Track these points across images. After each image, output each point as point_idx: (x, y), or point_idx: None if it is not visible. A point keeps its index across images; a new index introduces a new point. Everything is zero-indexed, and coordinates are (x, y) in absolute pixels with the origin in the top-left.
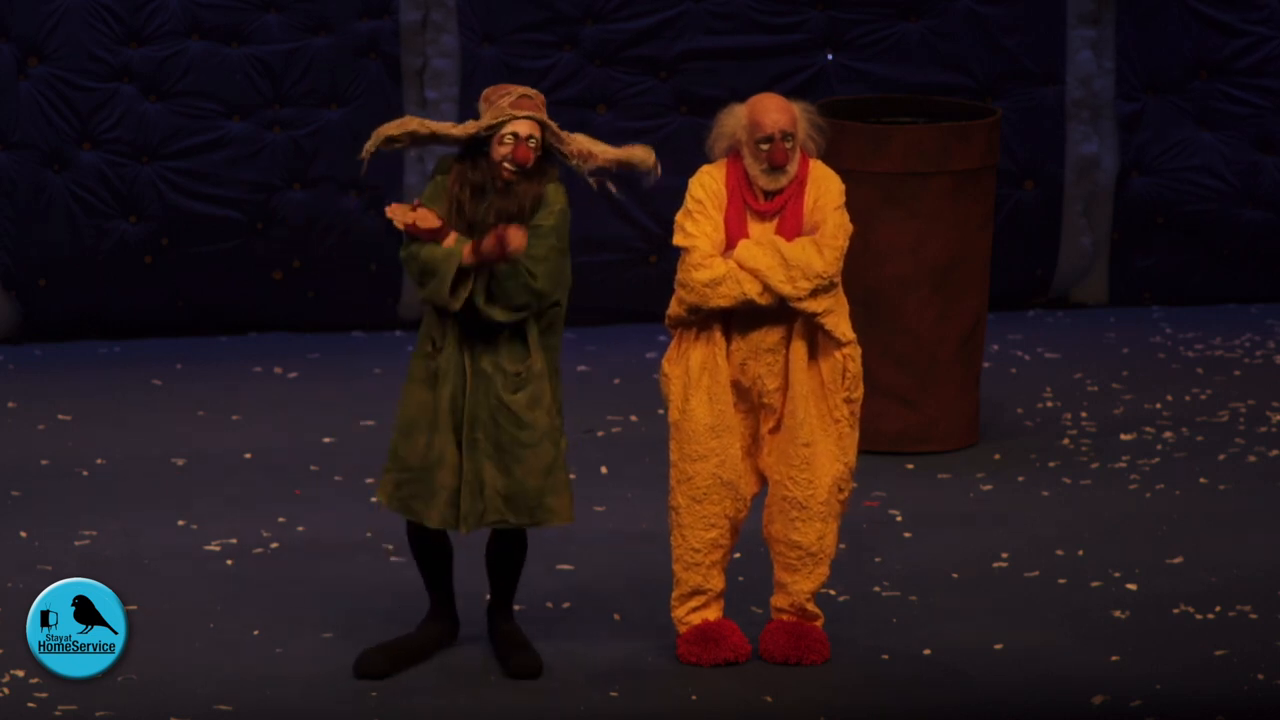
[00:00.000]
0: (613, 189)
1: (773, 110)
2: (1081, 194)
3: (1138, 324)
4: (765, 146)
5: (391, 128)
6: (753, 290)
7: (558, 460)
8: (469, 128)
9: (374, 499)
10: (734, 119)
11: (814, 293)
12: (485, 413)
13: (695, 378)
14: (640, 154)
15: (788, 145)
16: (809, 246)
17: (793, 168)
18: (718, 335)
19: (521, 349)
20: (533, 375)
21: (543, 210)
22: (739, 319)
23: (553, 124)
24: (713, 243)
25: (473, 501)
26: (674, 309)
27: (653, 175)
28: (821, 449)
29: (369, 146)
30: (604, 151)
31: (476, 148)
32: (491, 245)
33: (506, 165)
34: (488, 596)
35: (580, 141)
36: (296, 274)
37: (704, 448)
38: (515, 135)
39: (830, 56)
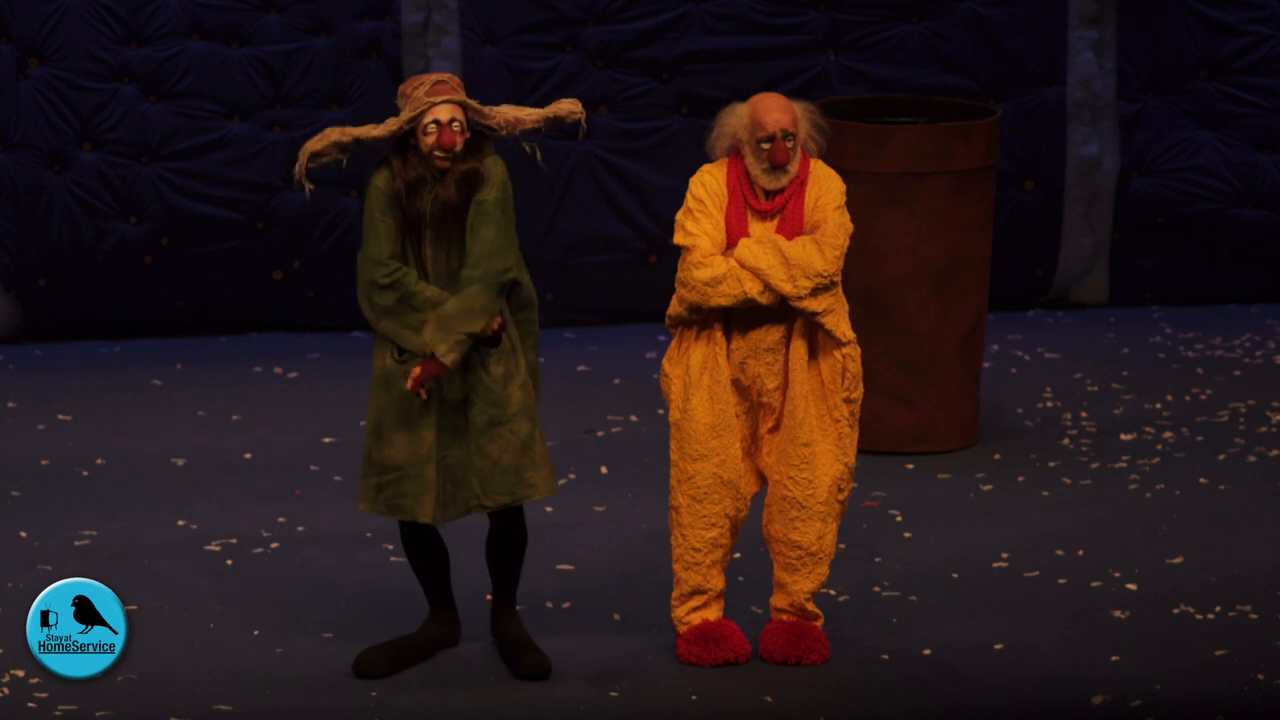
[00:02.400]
0: (539, 155)
1: (774, 109)
2: (1082, 195)
3: (1138, 324)
4: (767, 145)
5: (314, 144)
6: (753, 289)
7: (534, 434)
8: (390, 125)
9: (361, 507)
10: (735, 118)
11: (815, 292)
12: (461, 396)
13: (696, 377)
14: (567, 106)
15: (789, 145)
16: (810, 246)
17: (794, 167)
18: (718, 335)
19: None
20: (504, 351)
21: (484, 185)
22: (739, 318)
23: (473, 102)
24: (713, 242)
25: (454, 490)
26: (674, 308)
27: (582, 123)
28: (821, 449)
29: (300, 169)
30: (530, 115)
31: (405, 143)
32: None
33: (437, 154)
34: (489, 596)
35: (505, 112)
36: (296, 274)
37: (705, 447)
38: (437, 122)
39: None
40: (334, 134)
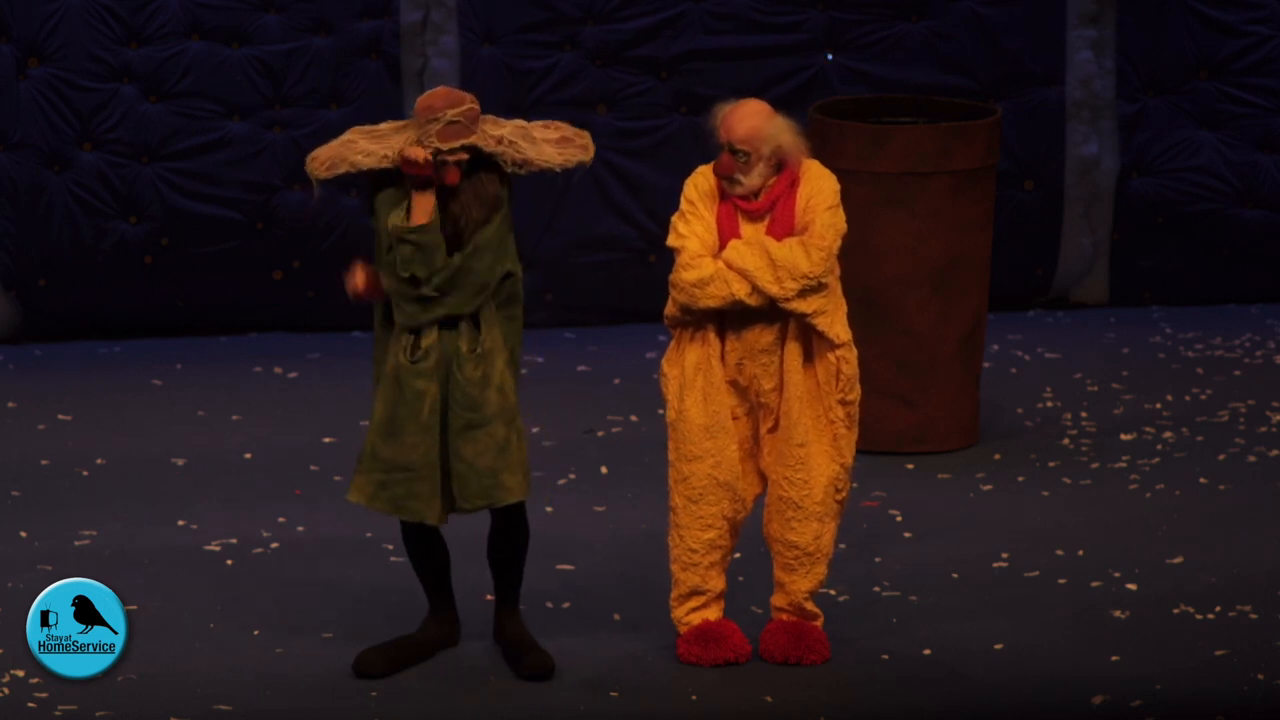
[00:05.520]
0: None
1: (735, 121)
2: (1082, 195)
3: (1138, 324)
4: (720, 152)
5: (322, 168)
6: (741, 291)
7: (510, 437)
8: (393, 157)
9: (349, 499)
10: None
11: (802, 293)
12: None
13: (690, 378)
14: (578, 155)
15: (739, 159)
16: (796, 247)
17: (749, 180)
18: (712, 336)
19: (474, 329)
20: (484, 353)
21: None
22: (734, 319)
23: (481, 141)
24: (703, 243)
25: (451, 488)
26: (670, 308)
27: (586, 164)
28: (816, 449)
29: (316, 184)
30: (543, 158)
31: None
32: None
33: (447, 181)
34: (489, 596)
35: (515, 151)
36: (296, 274)
37: (699, 448)
38: (444, 162)
39: (830, 57)
40: (351, 156)
